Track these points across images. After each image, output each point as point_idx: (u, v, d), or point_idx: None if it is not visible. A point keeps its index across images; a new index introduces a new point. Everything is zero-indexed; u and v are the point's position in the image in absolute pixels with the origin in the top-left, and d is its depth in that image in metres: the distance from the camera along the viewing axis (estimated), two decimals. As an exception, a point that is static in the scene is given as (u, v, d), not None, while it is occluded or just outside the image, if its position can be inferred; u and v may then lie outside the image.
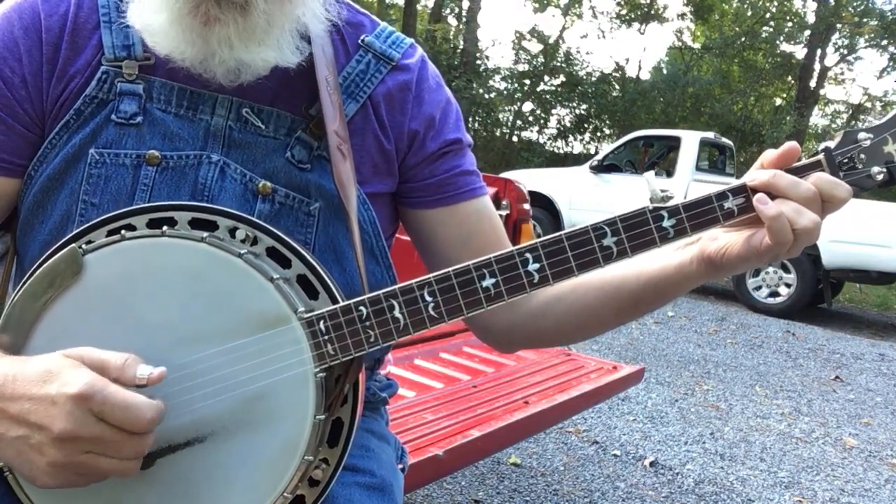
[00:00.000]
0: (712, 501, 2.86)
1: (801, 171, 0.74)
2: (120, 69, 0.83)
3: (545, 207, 8.58)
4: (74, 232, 0.75)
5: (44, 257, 0.74)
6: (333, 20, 0.88)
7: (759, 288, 7.26)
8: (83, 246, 0.72)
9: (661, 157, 9.35)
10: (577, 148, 19.77)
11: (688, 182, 7.81)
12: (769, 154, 0.75)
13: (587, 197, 8.42)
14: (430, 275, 0.73)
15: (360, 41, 0.91)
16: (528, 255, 0.72)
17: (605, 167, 8.64)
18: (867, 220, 6.58)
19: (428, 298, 0.72)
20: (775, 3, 19.14)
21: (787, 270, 7.09)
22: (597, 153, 10.78)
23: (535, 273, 0.72)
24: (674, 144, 8.55)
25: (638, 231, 0.72)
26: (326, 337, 0.72)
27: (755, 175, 0.74)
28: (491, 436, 1.77)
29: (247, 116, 0.85)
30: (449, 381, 2.13)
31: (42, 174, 0.83)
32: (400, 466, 1.05)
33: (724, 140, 9.33)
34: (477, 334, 1.01)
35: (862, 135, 0.74)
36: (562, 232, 0.73)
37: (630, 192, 8.15)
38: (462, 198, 0.95)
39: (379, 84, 0.91)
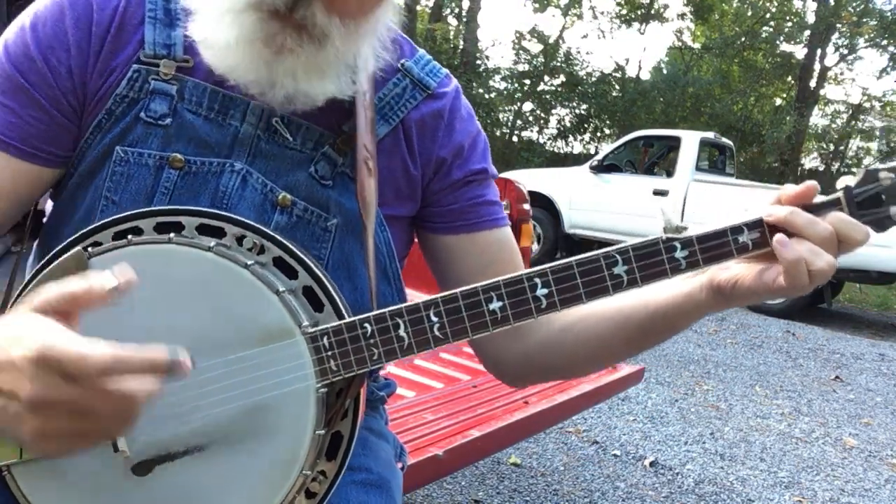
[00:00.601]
0: (712, 501, 2.86)
1: (819, 209, 0.72)
2: (156, 66, 0.83)
3: (545, 207, 8.58)
4: (80, 232, 0.75)
5: (49, 255, 0.74)
6: (386, 60, 0.88)
7: (759, 288, 7.26)
8: (89, 249, 0.71)
9: (661, 157, 9.35)
10: (577, 148, 19.78)
11: (688, 182, 7.81)
12: (787, 190, 0.74)
13: (587, 197, 8.42)
14: (437, 295, 0.72)
15: (399, 65, 0.92)
16: (536, 279, 0.72)
17: (605, 167, 8.64)
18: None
19: (434, 319, 0.72)
20: (775, 3, 19.14)
21: (787, 270, 7.08)
22: (597, 153, 10.78)
23: (543, 298, 0.72)
24: (674, 144, 8.54)
25: (650, 261, 0.72)
26: (329, 353, 0.72)
27: (772, 210, 0.73)
28: (491, 436, 1.77)
29: (276, 126, 0.85)
30: (449, 381, 2.13)
31: (76, 171, 0.84)
32: (399, 465, 1.05)
33: (724, 140, 9.33)
34: (488, 369, 1.01)
35: (884, 174, 0.73)
36: (572, 258, 0.72)
37: (630, 192, 8.18)
38: (483, 226, 0.95)
39: (413, 109, 0.92)
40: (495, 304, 0.72)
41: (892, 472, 3.38)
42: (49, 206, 0.92)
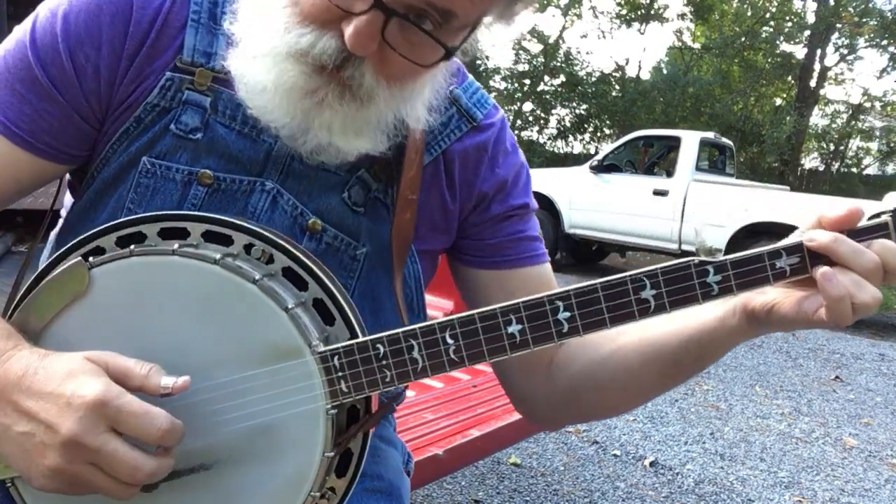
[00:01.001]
0: (712, 501, 2.86)
1: (863, 235, 0.67)
2: (192, 75, 0.79)
3: (545, 207, 8.57)
4: (82, 237, 0.72)
5: (51, 259, 0.72)
6: (430, 122, 0.83)
7: (759, 288, 7.25)
8: (90, 259, 0.69)
9: (661, 157, 9.35)
10: (577, 148, 19.81)
11: (688, 182, 7.81)
12: (831, 213, 0.68)
13: (587, 197, 8.42)
14: (454, 316, 0.69)
15: (448, 91, 0.87)
16: (558, 302, 0.68)
17: (605, 167, 8.64)
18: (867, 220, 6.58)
19: (450, 341, 0.68)
20: (775, 3, 19.15)
21: (787, 270, 7.08)
22: (597, 153, 10.77)
23: (565, 322, 0.68)
24: (674, 144, 8.54)
25: (680, 285, 0.67)
26: (340, 374, 0.69)
27: (814, 235, 0.67)
28: (491, 435, 1.77)
29: None
30: (449, 381, 2.13)
31: (100, 176, 0.81)
32: (406, 471, 1.05)
33: (724, 140, 9.33)
34: (518, 408, 0.98)
35: None
36: (597, 280, 0.68)
37: (630, 192, 8.18)
38: (522, 263, 0.92)
39: (456, 141, 0.88)
40: (514, 327, 0.68)
41: (892, 472, 3.38)
42: (67, 201, 0.90)
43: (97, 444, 0.60)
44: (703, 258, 0.67)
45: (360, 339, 0.69)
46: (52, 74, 0.76)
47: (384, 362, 0.69)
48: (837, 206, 0.69)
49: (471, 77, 0.92)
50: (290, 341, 0.68)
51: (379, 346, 0.69)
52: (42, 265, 0.74)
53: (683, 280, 0.67)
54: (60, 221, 0.91)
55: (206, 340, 0.69)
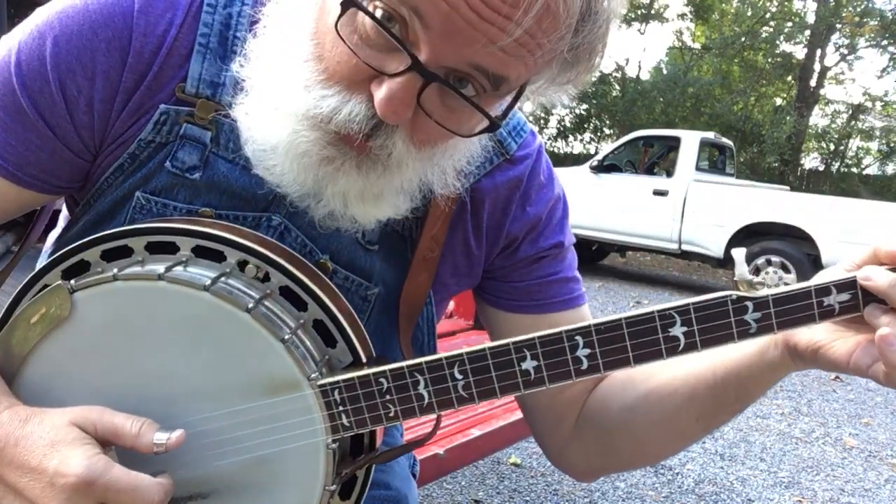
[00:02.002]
0: (712, 501, 2.86)
1: None
2: (192, 107, 0.70)
3: (545, 207, 8.57)
4: (64, 250, 0.67)
5: (30, 276, 0.68)
6: (457, 187, 0.73)
7: (759, 288, 7.26)
8: (72, 282, 0.64)
9: (661, 157, 9.35)
10: (577, 148, 19.80)
11: (688, 182, 7.81)
12: (888, 246, 0.60)
13: (587, 197, 8.42)
14: (463, 350, 0.64)
15: None
16: (578, 337, 0.62)
17: (605, 167, 8.64)
18: (867, 220, 6.58)
19: (458, 377, 0.63)
20: (775, 3, 19.14)
21: (787, 270, 7.08)
22: (597, 153, 10.77)
23: (585, 359, 0.62)
24: (674, 144, 8.54)
25: (714, 323, 0.61)
26: (342, 408, 0.65)
27: (871, 275, 0.59)
28: (491, 435, 1.77)
29: None
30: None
31: (96, 206, 0.75)
32: (412, 474, 1.05)
33: (724, 140, 9.33)
34: (560, 467, 0.91)
35: None
36: (622, 315, 0.62)
37: (630, 192, 8.18)
38: (554, 308, 0.83)
39: (485, 176, 0.79)
40: (529, 364, 0.63)
41: (892, 472, 3.38)
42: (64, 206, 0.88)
43: None
44: (742, 293, 0.61)
45: (362, 372, 0.65)
46: (40, 105, 0.68)
47: (388, 397, 0.65)
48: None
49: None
50: (287, 374, 0.64)
51: (382, 380, 0.64)
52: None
53: (719, 318, 0.61)
54: (60, 222, 0.89)
55: (198, 370, 0.65)
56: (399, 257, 0.78)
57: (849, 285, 0.60)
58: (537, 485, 2.83)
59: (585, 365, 0.62)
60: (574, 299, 0.85)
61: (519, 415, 1.89)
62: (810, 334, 0.65)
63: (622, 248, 9.10)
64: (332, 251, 0.75)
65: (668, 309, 0.61)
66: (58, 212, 0.92)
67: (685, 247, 7.77)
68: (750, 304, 0.61)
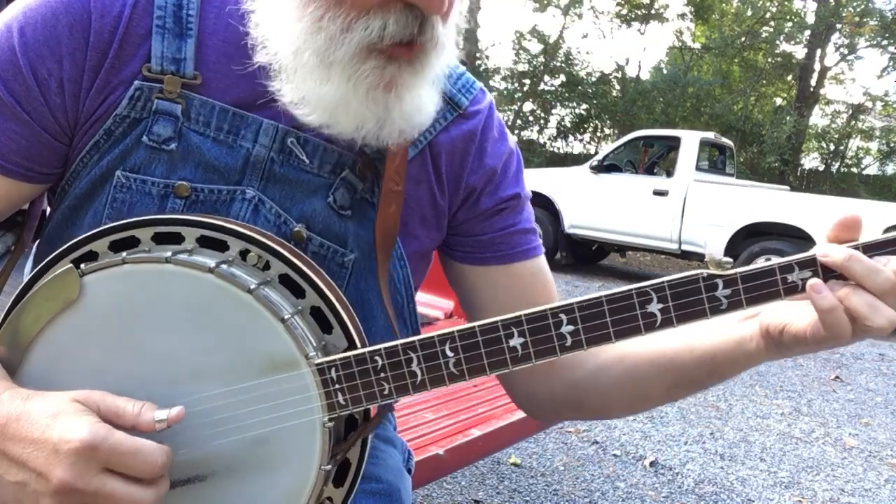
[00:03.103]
0: (712, 501, 2.86)
1: (879, 250, 0.65)
2: (161, 84, 0.75)
3: (545, 207, 8.57)
4: (75, 240, 0.70)
5: (43, 263, 0.70)
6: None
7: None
8: (82, 266, 0.68)
9: (661, 157, 9.35)
10: (577, 148, 19.82)
11: (688, 182, 7.81)
12: (843, 215, 0.66)
13: (587, 197, 8.42)
14: (454, 328, 0.67)
15: None
16: (562, 315, 0.66)
17: (605, 167, 8.64)
18: (867, 220, 6.57)
19: (449, 354, 0.67)
20: (775, 3, 19.15)
21: (787, 270, 7.07)
22: (597, 153, 10.77)
23: (569, 336, 0.66)
24: (674, 144, 8.54)
25: (687, 299, 0.65)
26: (338, 386, 0.67)
27: (828, 251, 0.64)
28: (491, 435, 1.77)
29: (291, 147, 0.78)
30: (449, 381, 2.13)
31: (73, 191, 0.78)
32: (406, 468, 1.05)
33: (724, 140, 9.33)
34: (518, 403, 0.97)
35: None
36: (602, 293, 0.66)
37: (630, 192, 8.18)
38: (516, 257, 0.89)
39: (442, 131, 0.85)
40: (516, 341, 0.66)
41: (892, 472, 3.38)
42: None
43: (93, 487, 0.59)
44: (712, 271, 0.65)
45: (358, 350, 0.68)
46: (15, 91, 0.72)
47: (382, 375, 0.68)
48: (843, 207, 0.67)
49: (456, 61, 0.85)
50: (286, 353, 0.67)
51: (377, 358, 0.67)
52: (26, 273, 0.73)
53: (691, 294, 0.65)
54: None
55: (200, 350, 0.68)
56: (370, 222, 0.81)
57: (809, 262, 0.65)
58: (537, 485, 2.83)
59: (569, 342, 0.66)
60: (534, 249, 0.91)
61: (519, 415, 1.90)
62: (778, 318, 0.69)
63: (622, 248, 9.10)
64: (306, 220, 0.79)
65: (645, 287, 0.66)
66: (44, 213, 0.92)
67: (685, 247, 7.77)
68: (720, 282, 0.65)
